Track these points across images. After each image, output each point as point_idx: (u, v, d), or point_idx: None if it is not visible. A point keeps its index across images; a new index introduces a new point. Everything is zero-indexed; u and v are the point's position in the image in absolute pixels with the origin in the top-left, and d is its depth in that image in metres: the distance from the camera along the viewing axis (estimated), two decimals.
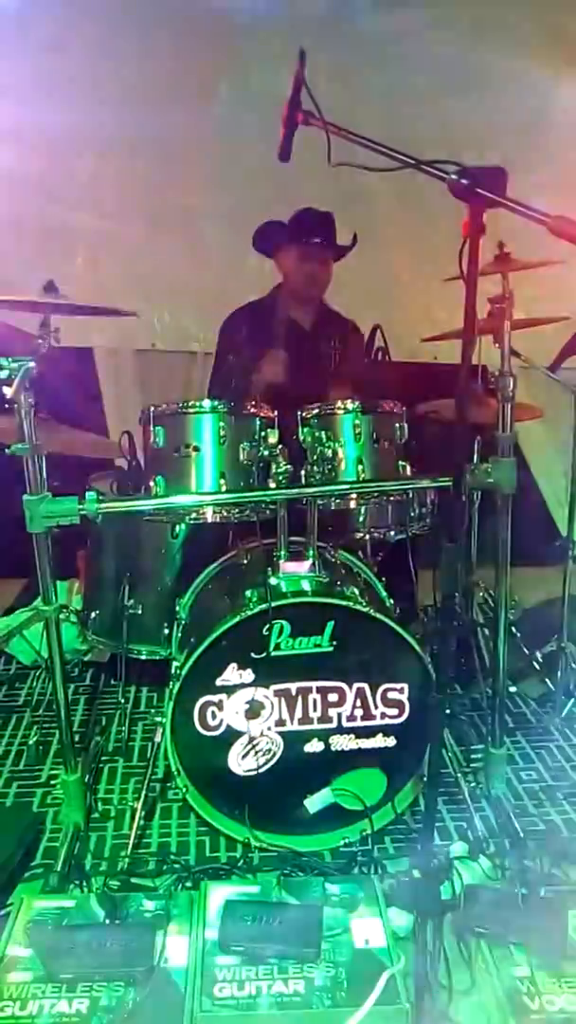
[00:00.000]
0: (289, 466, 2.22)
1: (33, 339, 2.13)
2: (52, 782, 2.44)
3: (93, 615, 2.90)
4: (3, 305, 2.39)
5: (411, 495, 2.48)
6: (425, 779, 2.15)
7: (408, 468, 2.40)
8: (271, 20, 3.39)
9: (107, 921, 1.77)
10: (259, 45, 3.38)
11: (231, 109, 3.55)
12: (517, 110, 3.45)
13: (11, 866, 2.01)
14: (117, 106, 3.68)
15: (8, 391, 1.91)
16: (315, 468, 2.29)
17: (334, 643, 2.12)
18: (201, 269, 3.90)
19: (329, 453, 2.30)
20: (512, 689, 2.88)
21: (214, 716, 2.13)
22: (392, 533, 2.54)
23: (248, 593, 2.19)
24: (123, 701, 2.79)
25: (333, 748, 2.18)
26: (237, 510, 2.30)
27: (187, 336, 3.98)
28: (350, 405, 2.35)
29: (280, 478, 2.20)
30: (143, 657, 2.80)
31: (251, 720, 2.14)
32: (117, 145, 3.73)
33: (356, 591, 2.29)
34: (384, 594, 2.49)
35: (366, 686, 2.17)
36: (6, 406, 1.95)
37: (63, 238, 3.77)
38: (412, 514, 2.50)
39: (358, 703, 2.17)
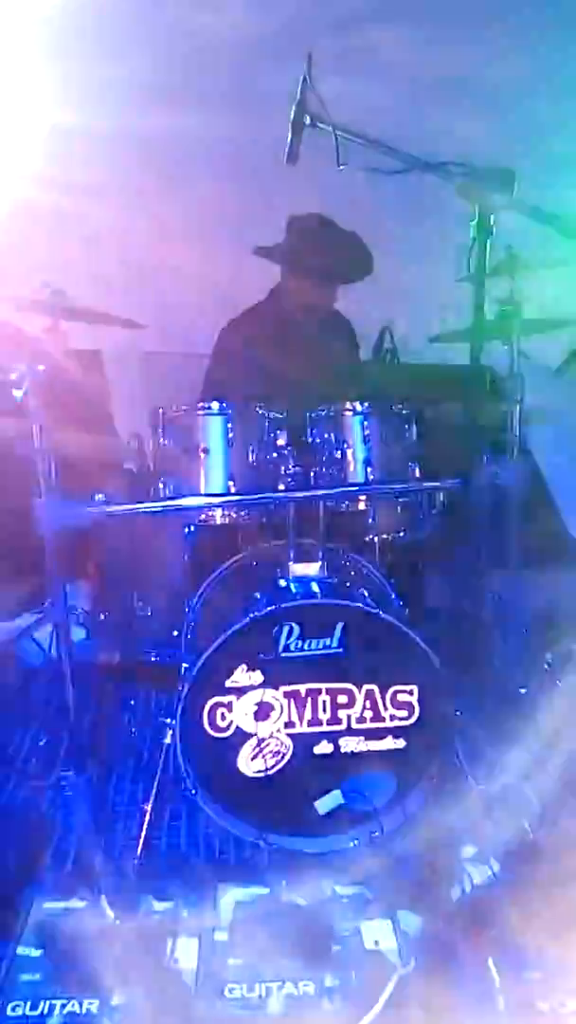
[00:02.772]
0: (298, 468, 2.22)
1: (41, 342, 2.14)
2: (62, 783, 2.44)
3: (102, 617, 2.90)
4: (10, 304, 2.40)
5: (420, 497, 2.47)
6: (435, 781, 2.15)
7: (417, 470, 2.40)
8: (279, 23, 3.41)
9: (117, 922, 1.77)
10: (267, 47, 3.40)
11: (239, 112, 3.56)
12: (525, 111, 3.45)
13: (22, 867, 2.01)
14: (124, 107, 3.70)
15: (18, 394, 1.92)
16: (324, 470, 2.30)
17: (343, 645, 2.12)
18: (209, 270, 3.90)
19: (338, 455, 2.30)
20: (522, 691, 2.86)
21: (223, 718, 2.13)
22: (401, 535, 2.54)
23: (257, 595, 2.19)
24: (132, 703, 2.79)
25: (342, 750, 2.18)
26: (246, 512, 2.30)
27: (195, 338, 3.98)
28: (359, 407, 2.35)
29: (289, 480, 2.20)
30: (152, 659, 2.80)
31: (260, 722, 2.14)
32: (125, 147, 3.74)
33: (365, 592, 2.29)
34: (393, 595, 2.49)
35: (375, 688, 2.16)
36: (16, 408, 1.97)
37: (71, 240, 3.78)
38: (421, 516, 2.49)
39: (367, 705, 2.17)
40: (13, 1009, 1.56)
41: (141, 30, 3.60)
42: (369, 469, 2.32)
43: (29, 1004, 1.57)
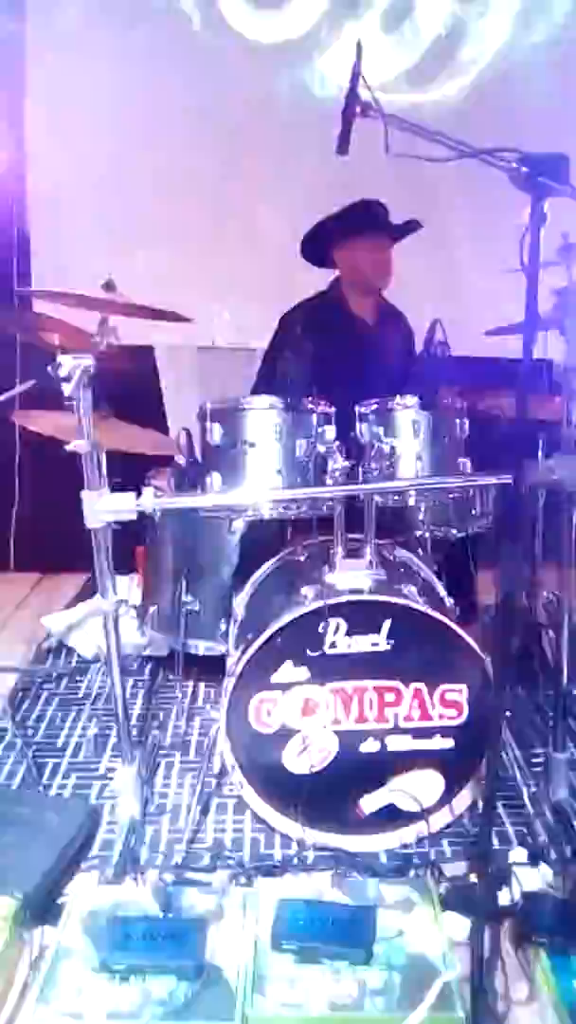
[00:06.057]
0: (347, 462, 2.20)
1: (91, 337, 2.16)
2: (109, 775, 2.47)
3: (151, 610, 2.92)
4: (62, 301, 2.42)
5: (472, 492, 2.43)
6: (484, 782, 2.11)
7: (468, 465, 2.35)
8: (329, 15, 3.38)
9: (161, 914, 1.78)
10: (317, 39, 3.38)
11: (292, 103, 3.54)
12: None
13: (68, 857, 2.04)
14: (178, 102, 3.71)
15: (67, 388, 1.93)
16: (373, 464, 2.27)
17: (391, 642, 2.09)
18: (262, 265, 3.90)
19: (387, 449, 2.27)
20: None
21: (269, 713, 2.12)
22: (452, 531, 2.50)
23: (304, 590, 2.17)
24: (180, 696, 2.81)
25: (389, 748, 2.15)
26: (294, 506, 2.28)
27: (248, 333, 3.98)
28: (409, 401, 2.31)
29: (337, 474, 2.18)
30: (200, 652, 2.81)
31: (306, 718, 2.12)
32: (178, 141, 3.76)
33: (415, 590, 2.25)
34: (444, 593, 2.44)
35: (423, 686, 2.13)
36: (66, 403, 1.98)
37: (123, 234, 3.81)
38: (473, 512, 2.45)
39: (415, 703, 2.13)
40: (56, 999, 1.57)
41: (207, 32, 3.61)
42: (419, 464, 2.28)
43: (72, 995, 1.58)
